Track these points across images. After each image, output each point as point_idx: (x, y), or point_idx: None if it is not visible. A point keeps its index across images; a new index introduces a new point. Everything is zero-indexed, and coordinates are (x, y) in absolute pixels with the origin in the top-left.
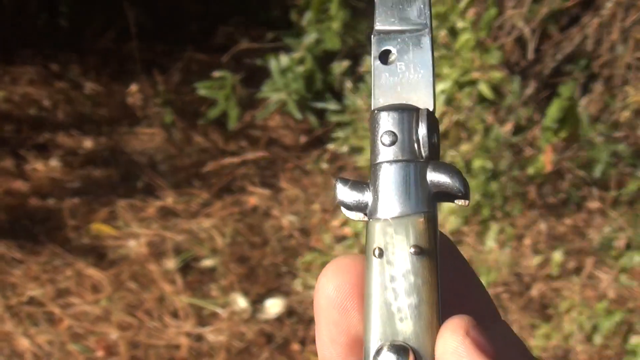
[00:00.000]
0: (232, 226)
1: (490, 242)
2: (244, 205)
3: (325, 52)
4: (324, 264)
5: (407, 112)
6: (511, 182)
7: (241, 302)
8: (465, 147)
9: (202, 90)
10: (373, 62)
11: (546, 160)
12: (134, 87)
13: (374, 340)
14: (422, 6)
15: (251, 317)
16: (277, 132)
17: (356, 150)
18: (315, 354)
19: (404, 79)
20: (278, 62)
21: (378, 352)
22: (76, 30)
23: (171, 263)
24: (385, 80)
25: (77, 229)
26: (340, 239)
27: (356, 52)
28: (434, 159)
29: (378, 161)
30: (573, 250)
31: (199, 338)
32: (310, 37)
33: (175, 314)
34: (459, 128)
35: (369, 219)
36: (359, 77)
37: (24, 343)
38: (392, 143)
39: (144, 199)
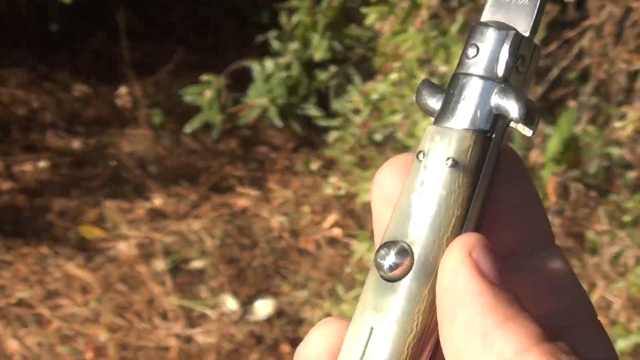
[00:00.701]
0: (221, 227)
1: None
2: (233, 206)
3: (313, 60)
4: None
5: (498, 31)
6: None
7: (231, 303)
8: None
9: (188, 96)
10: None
11: (550, 192)
12: (123, 89)
13: (385, 236)
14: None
15: (241, 318)
16: (266, 133)
17: (347, 153)
18: None
19: (514, 3)
20: (262, 68)
21: (382, 246)
22: (65, 31)
23: (161, 264)
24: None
25: (66, 230)
26: (330, 240)
27: (345, 57)
28: (514, 84)
29: (457, 71)
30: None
31: (189, 339)
32: (297, 42)
33: (164, 316)
34: None
35: (435, 122)
36: (346, 80)
37: (12, 345)
38: (474, 56)
39: (132, 201)
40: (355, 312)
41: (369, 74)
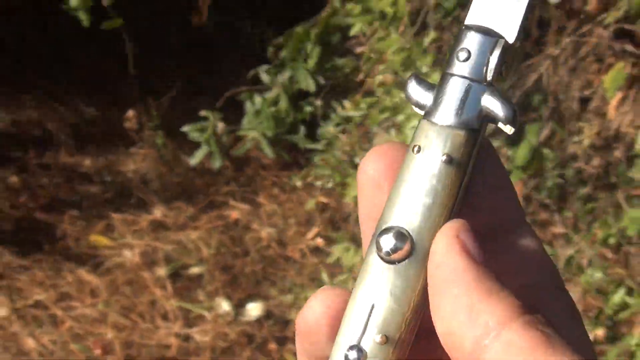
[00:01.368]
0: (216, 238)
1: None
2: (226, 219)
3: (300, 90)
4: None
5: (488, 38)
6: None
7: (225, 305)
8: None
9: (191, 133)
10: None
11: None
12: (130, 113)
13: (384, 221)
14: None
15: (234, 319)
16: (257, 154)
17: (331, 171)
18: (292, 353)
19: (499, 2)
20: (253, 102)
21: (383, 231)
22: (78, 58)
23: (162, 271)
24: (483, 3)
25: (77, 239)
26: (314, 249)
27: (332, 88)
28: (495, 85)
29: (448, 71)
30: None
31: (187, 338)
32: (284, 76)
33: (165, 317)
34: None
35: (423, 117)
36: (331, 110)
37: (29, 343)
38: (465, 60)
39: (137, 213)
40: (355, 289)
41: (351, 93)
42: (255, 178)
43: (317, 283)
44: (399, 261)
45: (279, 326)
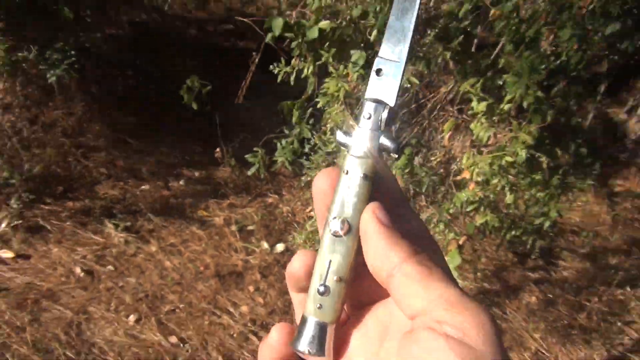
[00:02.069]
0: (260, 212)
1: None
2: (265, 202)
3: (304, 137)
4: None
5: (380, 104)
6: None
7: (265, 245)
8: None
9: (249, 159)
10: (372, 74)
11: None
12: (218, 150)
13: (332, 214)
14: (403, 50)
15: (270, 252)
16: (282, 169)
17: None
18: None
19: (384, 83)
20: (281, 143)
21: (333, 219)
22: (189, 122)
23: (234, 227)
24: (374, 83)
25: (192, 213)
26: (310, 217)
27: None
28: (386, 131)
29: (359, 126)
30: None
31: (247, 261)
32: (295, 130)
33: (236, 250)
34: None
35: (347, 152)
36: (317, 147)
37: (167, 264)
38: (369, 117)
39: (221, 199)
40: (319, 253)
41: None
42: (281, 182)
43: (312, 234)
44: (342, 236)
45: (292, 256)
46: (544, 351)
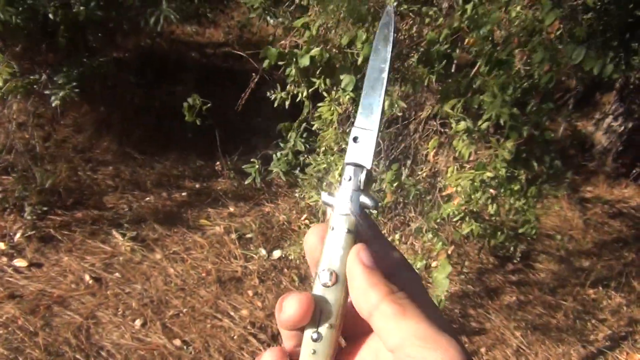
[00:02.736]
0: (258, 220)
1: None
2: (263, 211)
3: (297, 150)
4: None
5: (358, 167)
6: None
7: (263, 251)
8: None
9: (246, 169)
10: (350, 141)
11: (389, 197)
12: (218, 163)
13: (321, 266)
14: (376, 120)
15: (267, 258)
16: (277, 179)
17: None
18: (295, 275)
19: (360, 149)
20: (276, 155)
21: (322, 271)
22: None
23: (233, 235)
24: (352, 149)
25: (194, 222)
26: (304, 225)
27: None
28: (365, 190)
29: (341, 187)
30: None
31: (245, 267)
32: (290, 143)
33: (235, 257)
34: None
35: (332, 210)
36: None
37: (171, 271)
38: (349, 179)
39: (221, 209)
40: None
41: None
42: (277, 192)
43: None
44: (331, 286)
45: (288, 262)
46: (524, 348)
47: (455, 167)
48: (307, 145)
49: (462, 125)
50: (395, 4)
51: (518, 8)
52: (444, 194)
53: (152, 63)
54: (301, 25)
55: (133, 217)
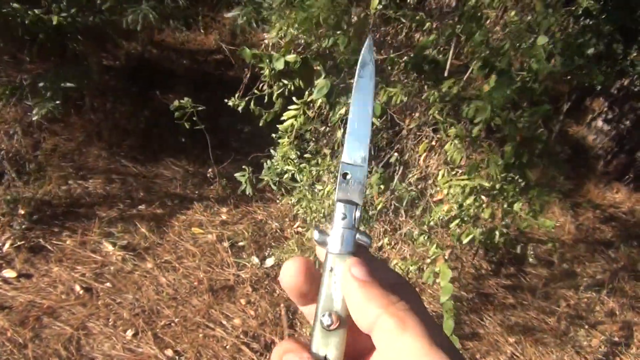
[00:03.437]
0: (250, 228)
1: None
2: (255, 218)
3: (288, 157)
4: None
5: (351, 205)
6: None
7: (255, 260)
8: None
9: (238, 178)
10: (339, 178)
11: (376, 200)
12: (210, 170)
13: (321, 310)
14: (364, 155)
15: (260, 266)
16: (268, 187)
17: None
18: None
19: (351, 186)
20: (267, 163)
21: (323, 314)
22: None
23: (226, 244)
24: (342, 187)
25: (185, 230)
26: (297, 232)
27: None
28: (359, 227)
29: (335, 225)
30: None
31: (238, 276)
32: (280, 152)
33: (228, 265)
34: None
35: (327, 251)
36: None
37: (163, 280)
38: (344, 218)
39: (214, 216)
40: (313, 344)
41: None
42: (269, 199)
43: (299, 248)
44: (334, 329)
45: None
46: (518, 354)
47: (446, 170)
48: (299, 153)
49: (452, 131)
50: (371, 39)
51: (512, 13)
52: (435, 199)
53: (143, 70)
54: (276, 34)
55: (124, 226)
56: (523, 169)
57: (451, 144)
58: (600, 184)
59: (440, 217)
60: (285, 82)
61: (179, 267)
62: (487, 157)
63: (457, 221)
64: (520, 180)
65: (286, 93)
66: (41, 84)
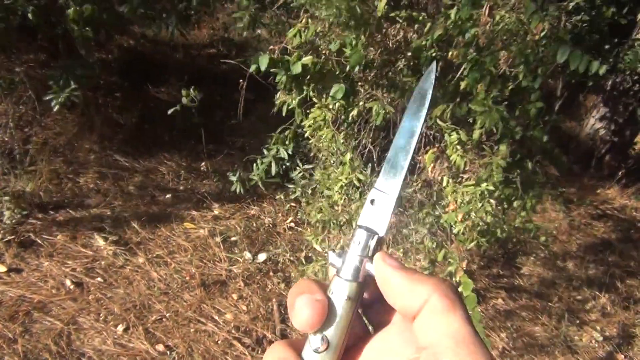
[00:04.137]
0: (243, 223)
1: None
2: (248, 214)
3: (281, 157)
4: None
5: (370, 233)
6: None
7: (248, 255)
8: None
9: (230, 175)
10: (366, 202)
11: None
12: (202, 164)
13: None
14: (398, 186)
15: (252, 261)
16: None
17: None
18: (280, 278)
19: (376, 213)
20: (258, 163)
21: (313, 336)
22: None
23: (218, 239)
24: (368, 212)
25: (177, 225)
26: (290, 227)
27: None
28: (373, 258)
29: (350, 251)
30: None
31: (230, 271)
32: (272, 151)
33: (220, 260)
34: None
35: (336, 274)
36: (294, 165)
37: (154, 275)
38: (359, 244)
39: (206, 212)
40: None
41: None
42: (262, 194)
43: (292, 244)
44: (322, 352)
45: (274, 265)
46: (509, 349)
47: (450, 175)
48: (292, 152)
49: (455, 136)
50: (435, 64)
51: (503, 12)
52: (447, 210)
53: (136, 64)
54: (293, 35)
55: (115, 221)
56: (522, 165)
57: (453, 148)
58: (592, 181)
59: (452, 223)
60: (305, 87)
61: (170, 262)
62: (490, 160)
63: (463, 226)
64: (518, 177)
65: (298, 102)
66: (55, 75)
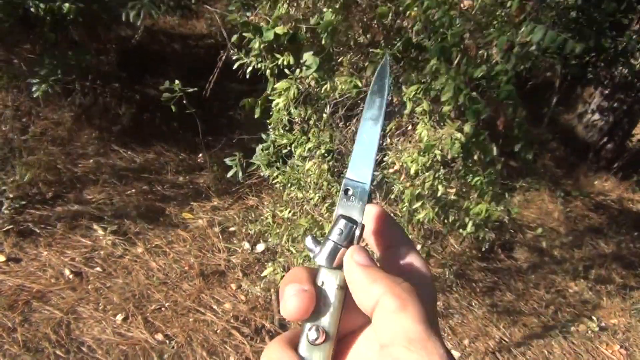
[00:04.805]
0: (242, 213)
1: None
2: (246, 204)
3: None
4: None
5: (352, 222)
6: None
7: (246, 245)
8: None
9: (228, 162)
10: (340, 193)
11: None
12: (200, 155)
13: (308, 323)
14: (369, 173)
15: (251, 251)
16: (259, 171)
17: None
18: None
19: (352, 204)
20: (258, 148)
21: (310, 328)
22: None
23: (217, 229)
24: (343, 202)
25: (176, 216)
26: (287, 219)
27: None
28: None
29: (330, 239)
30: None
31: (229, 261)
32: (271, 137)
33: (219, 250)
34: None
35: (319, 264)
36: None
37: (153, 265)
38: (340, 233)
39: (205, 202)
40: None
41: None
42: (261, 185)
43: (289, 232)
44: (319, 344)
45: (272, 255)
46: (507, 339)
47: (410, 146)
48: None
49: (420, 108)
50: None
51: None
52: (391, 170)
53: (134, 55)
54: (269, 8)
55: (114, 211)
56: (483, 146)
57: (422, 122)
58: (589, 173)
59: (401, 190)
60: (278, 56)
61: (169, 252)
62: (450, 132)
63: (409, 193)
64: (482, 158)
65: (271, 70)
66: (39, 68)
